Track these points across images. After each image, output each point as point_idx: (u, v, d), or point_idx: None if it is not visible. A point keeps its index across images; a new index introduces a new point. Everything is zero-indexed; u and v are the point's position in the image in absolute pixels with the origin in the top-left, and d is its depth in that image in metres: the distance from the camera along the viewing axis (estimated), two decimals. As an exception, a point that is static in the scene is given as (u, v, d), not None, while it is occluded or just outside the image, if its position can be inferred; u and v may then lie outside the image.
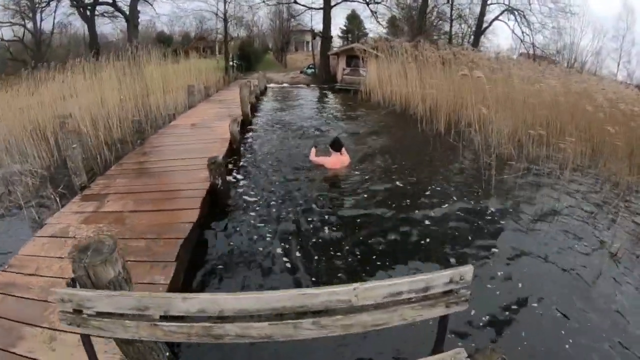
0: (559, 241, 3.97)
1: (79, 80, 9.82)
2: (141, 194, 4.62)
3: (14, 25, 23.16)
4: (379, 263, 3.50)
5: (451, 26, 26.27)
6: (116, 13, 22.72)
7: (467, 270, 1.67)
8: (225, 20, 25.19)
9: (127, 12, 20.98)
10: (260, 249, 3.74)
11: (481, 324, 2.72)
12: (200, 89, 13.44)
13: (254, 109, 12.61)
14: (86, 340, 1.75)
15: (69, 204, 4.47)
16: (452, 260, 3.56)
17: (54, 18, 23.76)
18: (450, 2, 25.44)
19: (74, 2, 21.89)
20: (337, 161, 6.04)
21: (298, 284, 3.23)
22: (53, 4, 22.67)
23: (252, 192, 5.14)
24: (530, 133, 6.25)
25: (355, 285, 1.47)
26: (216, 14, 26.04)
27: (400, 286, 1.54)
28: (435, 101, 9.63)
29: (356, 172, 5.95)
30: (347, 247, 3.74)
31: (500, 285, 3.19)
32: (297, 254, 3.65)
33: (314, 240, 3.90)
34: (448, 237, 3.98)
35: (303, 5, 28.56)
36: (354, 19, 37.57)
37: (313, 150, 6.37)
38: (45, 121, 7.80)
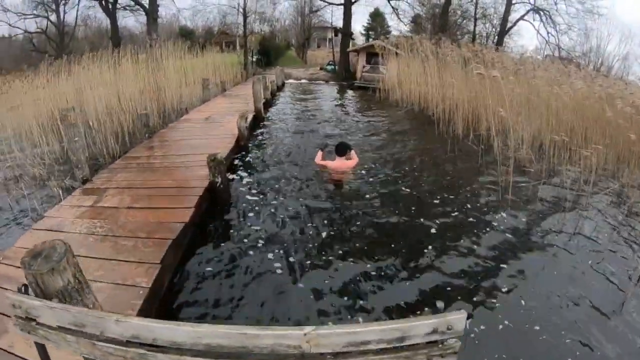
0: (578, 261, 3.61)
1: (97, 73, 9.87)
2: (140, 189, 4.52)
3: (37, 17, 23.76)
4: (381, 274, 3.27)
5: (475, 25, 25.62)
6: (137, 6, 22.95)
7: (458, 319, 1.28)
8: (244, 15, 25.15)
9: (147, 6, 21.11)
10: (255, 254, 3.54)
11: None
12: (217, 83, 13.40)
13: (269, 104, 12.48)
14: (40, 348, 1.62)
15: (69, 197, 4.42)
16: (453, 272, 3.30)
17: (77, 10, 24.29)
18: (474, 1, 24.74)
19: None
20: (341, 165, 5.78)
21: (289, 295, 3.01)
22: (76, -4, 23.11)
23: (254, 192, 4.95)
24: (553, 138, 5.85)
25: (306, 329, 1.20)
26: (237, 9, 26.08)
27: (367, 334, 1.25)
28: (455, 102, 9.26)
29: (365, 176, 5.69)
30: (350, 259, 3.47)
31: (507, 312, 2.88)
32: (292, 260, 3.44)
33: (311, 247, 3.66)
34: (454, 250, 3.70)
35: (323, 1, 28.41)
36: (377, 17, 37.23)
37: (319, 153, 6.10)
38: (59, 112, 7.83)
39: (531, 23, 25.02)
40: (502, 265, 3.44)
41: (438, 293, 3.00)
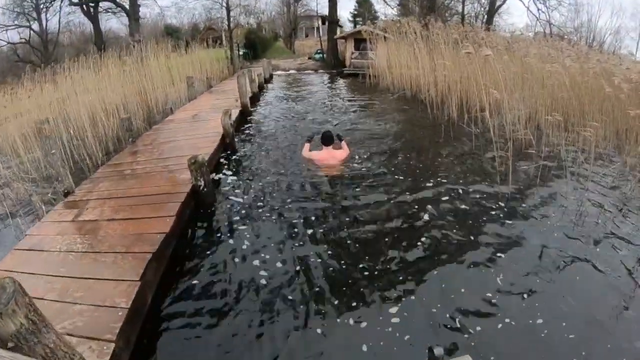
0: (582, 250, 3.41)
1: (79, 79, 9.59)
2: (121, 199, 4.29)
3: (19, 28, 23.30)
4: (384, 276, 3.08)
5: (463, 5, 25.19)
6: (119, 8, 22.53)
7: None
8: (227, 9, 24.66)
9: (128, 7, 20.70)
10: (240, 263, 3.33)
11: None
12: (202, 80, 13.11)
13: (256, 98, 12.20)
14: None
15: (51, 212, 4.22)
16: (452, 267, 3.12)
17: (60, 18, 23.82)
18: (461, -20, 24.36)
19: (72, 1, 21.79)
20: (328, 156, 5.50)
21: (279, 307, 2.83)
22: (56, 3, 22.66)
23: (239, 192, 4.73)
24: (550, 117, 5.65)
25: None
26: (219, 3, 25.58)
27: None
28: (447, 84, 9.02)
29: (357, 167, 5.45)
30: (344, 266, 3.24)
31: (510, 310, 2.70)
32: (279, 266, 3.26)
33: (300, 254, 3.42)
34: (453, 241, 3.53)
35: (305, -14, 27.89)
36: (364, 3, 36.67)
37: (306, 145, 5.85)
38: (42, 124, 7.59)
39: (520, 0, 24.66)
40: (504, 258, 3.27)
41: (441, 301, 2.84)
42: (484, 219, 3.90)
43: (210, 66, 16.58)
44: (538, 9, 23.92)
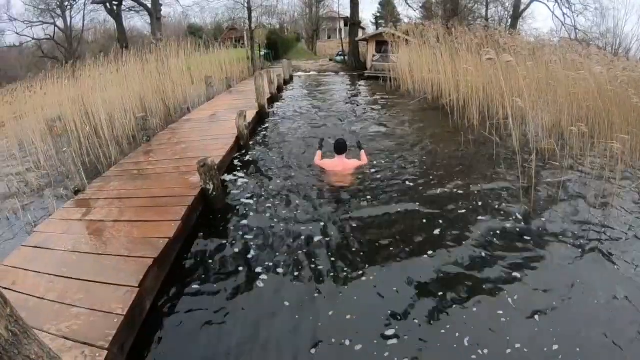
0: (607, 272, 3.19)
1: (99, 76, 9.72)
2: (130, 199, 4.26)
3: (44, 24, 23.99)
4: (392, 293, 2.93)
5: (487, 9, 24.67)
6: (141, 7, 22.92)
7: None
8: (249, 9, 24.81)
9: (150, 6, 21.03)
10: (247, 274, 3.20)
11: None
12: (221, 80, 13.16)
13: (275, 99, 12.15)
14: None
15: (60, 210, 4.25)
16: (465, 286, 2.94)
17: (84, 15, 24.42)
18: (485, -17, 23.88)
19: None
20: (340, 164, 5.30)
21: (281, 319, 2.70)
22: (80, 0, 23.21)
23: (252, 198, 4.59)
24: (575, 127, 5.35)
25: None
26: (242, 3, 25.79)
27: None
28: (469, 90, 8.75)
29: (371, 177, 5.23)
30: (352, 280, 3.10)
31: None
32: (282, 273, 3.16)
33: (306, 264, 3.30)
34: (465, 257, 3.33)
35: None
36: (387, 5, 36.43)
37: (319, 153, 5.66)
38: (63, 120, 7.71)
39: (545, 4, 23.98)
40: (520, 277, 3.06)
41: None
42: (502, 236, 3.68)
43: (231, 66, 16.64)
44: (564, 14, 23.23)
